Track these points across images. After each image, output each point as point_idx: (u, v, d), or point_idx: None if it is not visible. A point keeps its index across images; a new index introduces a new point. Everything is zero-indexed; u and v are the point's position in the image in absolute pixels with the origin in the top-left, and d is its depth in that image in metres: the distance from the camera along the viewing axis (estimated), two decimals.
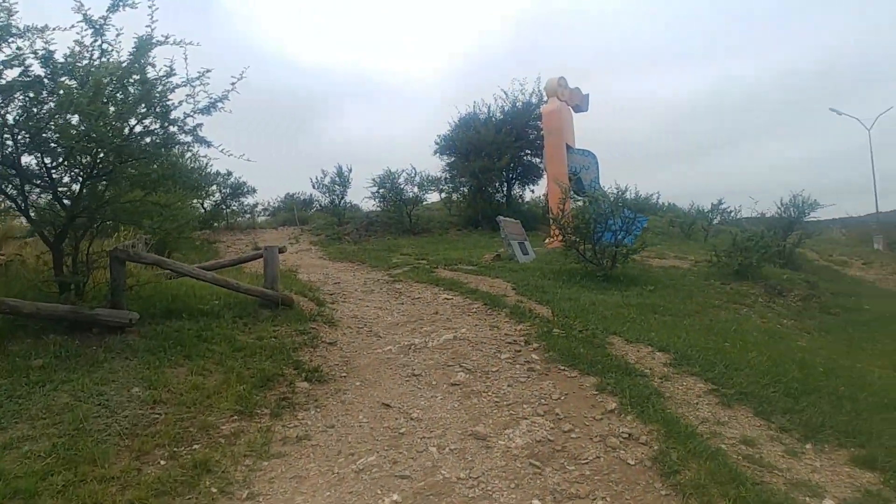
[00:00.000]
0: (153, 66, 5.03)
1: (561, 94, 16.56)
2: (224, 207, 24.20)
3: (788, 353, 7.01)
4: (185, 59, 4.97)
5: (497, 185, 22.63)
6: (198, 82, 5.05)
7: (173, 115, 5.27)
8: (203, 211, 23.23)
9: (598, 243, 10.92)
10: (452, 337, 6.34)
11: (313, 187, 20.60)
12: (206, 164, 22.07)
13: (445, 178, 23.34)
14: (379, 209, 20.87)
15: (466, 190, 22.89)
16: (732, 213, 23.21)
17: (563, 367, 5.41)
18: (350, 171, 20.37)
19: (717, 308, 9.39)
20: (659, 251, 14.84)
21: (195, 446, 3.71)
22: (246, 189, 23.59)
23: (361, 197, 24.30)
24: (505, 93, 22.74)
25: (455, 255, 14.36)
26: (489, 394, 4.82)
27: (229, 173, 22.82)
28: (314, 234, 19.40)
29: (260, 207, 31.39)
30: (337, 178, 20.20)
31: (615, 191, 10.89)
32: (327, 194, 20.66)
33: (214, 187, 22.98)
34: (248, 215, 30.48)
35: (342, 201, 20.81)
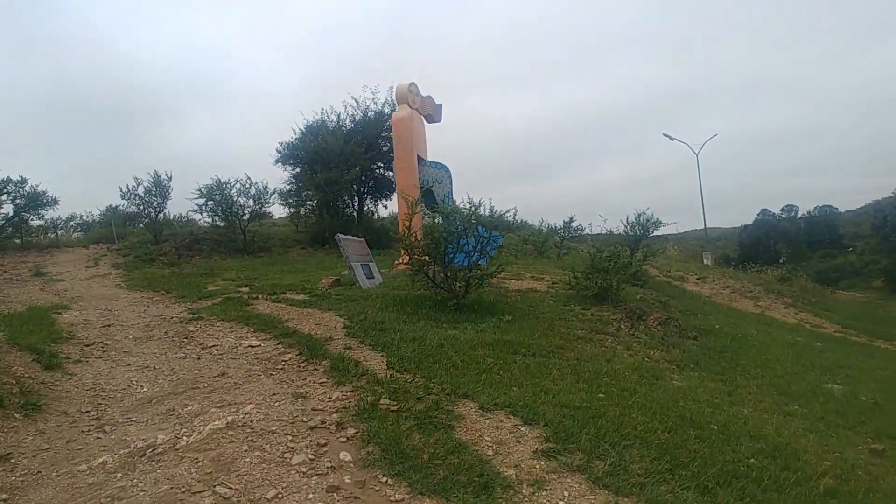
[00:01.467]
0: None
1: (412, 102, 14.81)
2: (19, 222, 19.42)
3: (672, 403, 5.63)
4: None
5: (347, 199, 20.40)
6: None
7: None
8: None
9: (448, 266, 9.16)
10: (226, 424, 4.04)
11: (123, 198, 16.84)
12: None
13: (291, 191, 20.66)
14: (207, 225, 17.64)
15: (313, 204, 20.40)
16: (579, 231, 23.07)
17: (384, 478, 3.36)
18: (170, 178, 16.92)
19: (583, 341, 7.99)
20: (515, 271, 13.57)
21: None
22: (46, 200, 19.04)
23: (187, 210, 20.69)
24: (356, 101, 20.65)
25: (288, 279, 11.92)
26: None
27: (23, 180, 18.25)
28: (123, 254, 15.74)
29: (74, 222, 26.36)
30: (153, 188, 16.65)
31: (468, 206, 9.24)
32: (142, 206, 16.99)
33: (4, 197, 18.33)
34: (60, 231, 25.35)
35: (160, 215, 17.25)
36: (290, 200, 20.90)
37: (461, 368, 5.78)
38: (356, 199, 21.05)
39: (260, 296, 9.60)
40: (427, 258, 9.29)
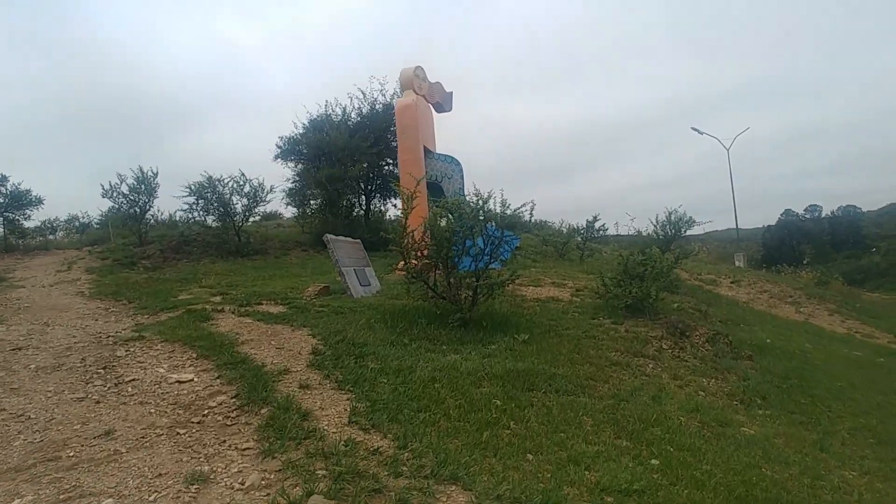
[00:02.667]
0: None
1: (418, 87, 13.12)
2: (4, 222, 18.16)
3: (756, 474, 3.84)
4: None
5: (352, 197, 18.77)
6: None
7: None
8: None
9: (452, 272, 7.42)
10: None
11: (104, 196, 15.26)
12: None
13: (293, 189, 19.07)
14: (200, 225, 16.00)
15: (317, 203, 18.79)
16: (603, 231, 21.19)
17: None
18: (156, 174, 15.34)
19: (618, 367, 6.20)
20: (534, 276, 11.77)
21: None
22: (30, 199, 17.72)
23: (175, 209, 19.23)
24: (363, 93, 18.99)
25: (273, 286, 10.28)
26: None
27: (3, 178, 16.94)
28: (103, 257, 14.25)
29: (74, 224, 25.20)
30: (139, 185, 15.11)
31: (475, 199, 7.45)
32: (126, 205, 15.45)
33: None
34: (60, 233, 24.19)
35: (145, 214, 15.63)
36: (293, 199, 19.37)
37: (455, 419, 4.04)
38: (363, 197, 19.41)
39: (228, 307, 7.95)
40: (427, 262, 7.57)
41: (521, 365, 5.59)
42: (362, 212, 19.36)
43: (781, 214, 77.94)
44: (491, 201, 7.25)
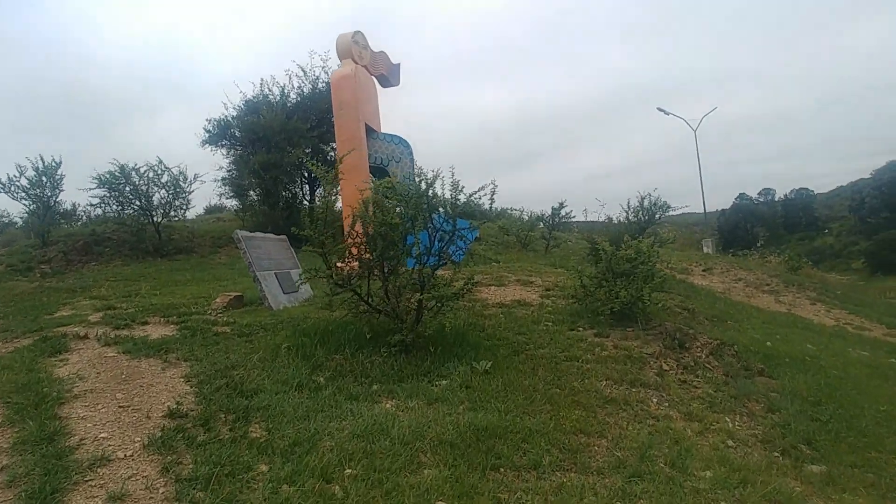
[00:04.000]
0: None
1: (358, 56, 11.12)
2: None
3: None
4: None
5: (293, 187, 16.67)
6: None
7: None
8: None
9: (390, 278, 5.59)
10: None
11: (2, 191, 12.65)
12: None
13: (229, 179, 16.84)
14: (114, 222, 13.60)
15: (255, 194, 16.63)
16: (568, 218, 19.60)
17: None
18: (60, 164, 12.87)
19: (614, 407, 4.49)
20: (496, 273, 10.03)
21: None
22: None
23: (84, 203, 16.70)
24: (303, 70, 16.87)
25: (180, 295, 8.27)
26: None
27: None
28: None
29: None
30: (41, 178, 12.62)
31: (418, 180, 5.64)
32: (28, 200, 12.90)
33: None
34: None
35: (49, 210, 13.12)
36: (232, 190, 17.15)
37: None
38: (306, 186, 17.33)
39: (99, 331, 5.94)
40: (356, 265, 5.73)
41: (482, 417, 3.82)
42: (306, 202, 17.30)
43: (736, 198, 78.60)
44: (438, 183, 5.42)
